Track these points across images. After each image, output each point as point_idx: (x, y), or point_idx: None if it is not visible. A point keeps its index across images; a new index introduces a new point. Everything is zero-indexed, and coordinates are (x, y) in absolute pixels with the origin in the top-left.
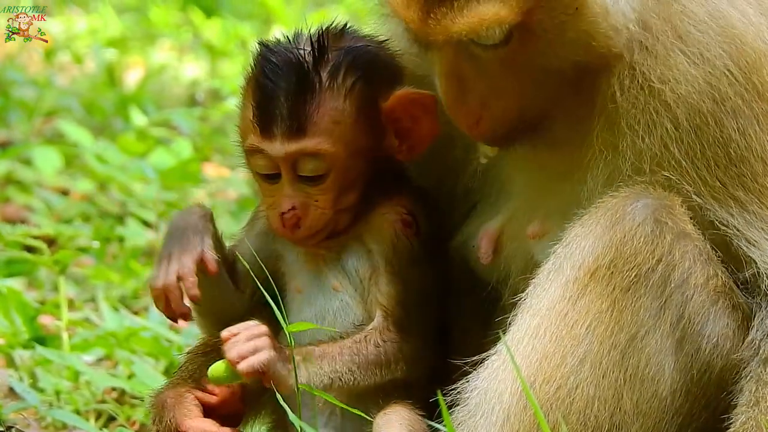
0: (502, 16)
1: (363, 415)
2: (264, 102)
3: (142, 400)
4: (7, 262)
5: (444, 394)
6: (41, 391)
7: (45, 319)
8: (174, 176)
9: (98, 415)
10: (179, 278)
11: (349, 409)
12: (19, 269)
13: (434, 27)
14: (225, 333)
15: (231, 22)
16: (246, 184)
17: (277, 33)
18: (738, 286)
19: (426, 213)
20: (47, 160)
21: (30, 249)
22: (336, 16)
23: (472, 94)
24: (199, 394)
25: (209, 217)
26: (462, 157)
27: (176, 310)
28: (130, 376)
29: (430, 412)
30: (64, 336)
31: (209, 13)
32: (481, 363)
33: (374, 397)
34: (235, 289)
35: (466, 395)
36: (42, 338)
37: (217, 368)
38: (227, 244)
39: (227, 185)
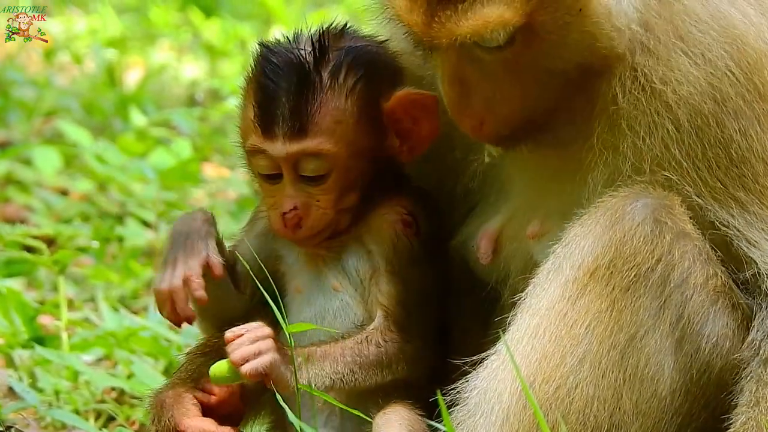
0: (506, 18)
1: (362, 416)
2: (265, 102)
3: (142, 400)
4: (6, 262)
5: (443, 394)
6: (40, 391)
7: (44, 319)
8: (173, 176)
9: (98, 414)
10: (185, 281)
11: (349, 410)
12: (19, 269)
13: (438, 30)
14: (229, 334)
15: (230, 22)
16: (246, 185)
17: (277, 33)
18: (738, 287)
19: (426, 213)
20: (47, 160)
21: (29, 249)
22: (336, 16)
23: (476, 96)
24: (198, 394)
25: (212, 221)
26: (462, 157)
27: (181, 313)
28: (130, 376)
29: (430, 411)
30: (64, 336)
31: (209, 13)
32: (480, 363)
33: (374, 397)
34: (236, 290)
35: (466, 395)
36: (41, 338)
37: (219, 368)
38: (227, 244)
39: (227, 185)
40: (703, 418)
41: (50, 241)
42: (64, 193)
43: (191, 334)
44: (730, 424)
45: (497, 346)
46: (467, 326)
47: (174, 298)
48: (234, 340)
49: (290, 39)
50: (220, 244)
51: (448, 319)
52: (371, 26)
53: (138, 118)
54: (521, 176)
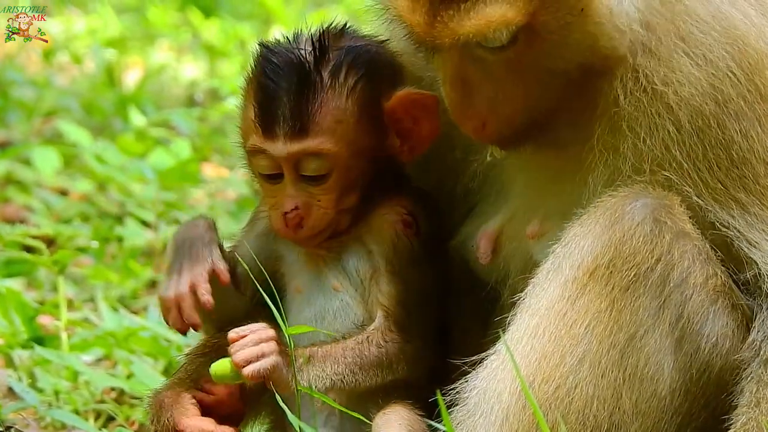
0: (509, 18)
1: (362, 418)
2: (266, 102)
3: (141, 400)
4: (6, 262)
5: (443, 394)
6: (40, 391)
7: (44, 319)
8: (173, 176)
9: (97, 415)
10: (192, 288)
11: (348, 411)
12: (19, 269)
13: (441, 30)
14: (233, 334)
15: (230, 23)
16: (245, 185)
17: (277, 33)
18: (739, 288)
19: (426, 213)
20: (46, 160)
21: (29, 249)
22: (336, 16)
23: (478, 97)
24: (198, 393)
25: (214, 228)
26: (462, 157)
27: (187, 320)
28: (129, 376)
29: (430, 411)
30: (63, 336)
31: (208, 13)
32: (480, 363)
33: (374, 397)
34: (236, 291)
35: (466, 395)
36: (41, 338)
37: (220, 366)
38: (227, 244)
39: (226, 185)
40: (703, 418)
41: (50, 241)
42: (63, 193)
43: (191, 335)
44: (731, 424)
45: (497, 346)
46: (467, 326)
47: (181, 305)
48: (237, 340)
49: (290, 39)
50: (222, 250)
51: (448, 319)
52: (371, 26)
53: (137, 119)
54: (521, 176)
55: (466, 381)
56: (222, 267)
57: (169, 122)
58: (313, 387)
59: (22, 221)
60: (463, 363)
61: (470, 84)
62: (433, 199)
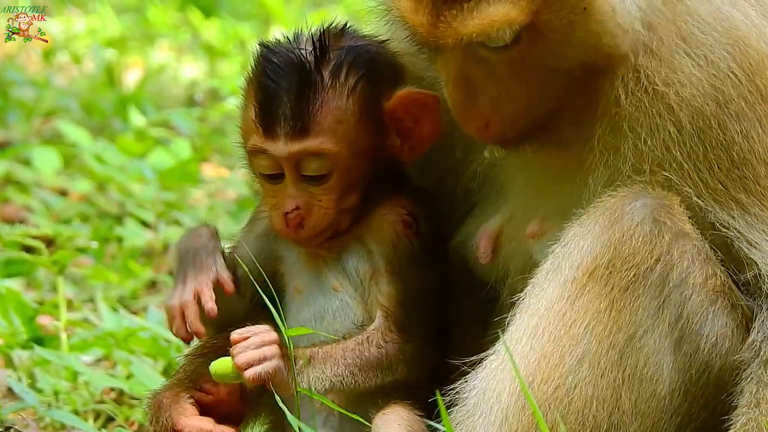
0: (512, 17)
1: (361, 420)
2: (266, 102)
3: (141, 401)
4: (5, 262)
5: (443, 394)
6: (40, 391)
7: (43, 320)
8: (173, 176)
9: (97, 415)
10: (196, 296)
11: (348, 413)
12: (18, 269)
13: (444, 30)
14: (235, 335)
15: (230, 23)
16: (245, 185)
17: (277, 33)
18: (739, 288)
19: (426, 213)
20: (46, 161)
21: (29, 249)
22: (336, 16)
23: (481, 97)
24: (197, 393)
25: (216, 236)
26: (462, 157)
27: (191, 327)
28: (129, 377)
29: (429, 412)
30: (63, 336)
31: (208, 13)
32: (479, 363)
33: (373, 397)
34: (237, 293)
35: (465, 395)
36: (40, 338)
37: (221, 365)
38: (227, 245)
39: (226, 185)
40: (703, 418)
41: (49, 242)
42: (63, 193)
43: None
44: (731, 425)
45: (496, 346)
46: (467, 326)
47: (185, 313)
48: (240, 342)
49: (290, 39)
50: (225, 258)
51: (448, 319)
52: (371, 26)
53: (137, 119)
54: (521, 176)
55: (466, 381)
56: (226, 276)
57: (169, 122)
58: (313, 389)
59: (21, 221)
60: (463, 363)
61: (473, 84)
62: (433, 199)
